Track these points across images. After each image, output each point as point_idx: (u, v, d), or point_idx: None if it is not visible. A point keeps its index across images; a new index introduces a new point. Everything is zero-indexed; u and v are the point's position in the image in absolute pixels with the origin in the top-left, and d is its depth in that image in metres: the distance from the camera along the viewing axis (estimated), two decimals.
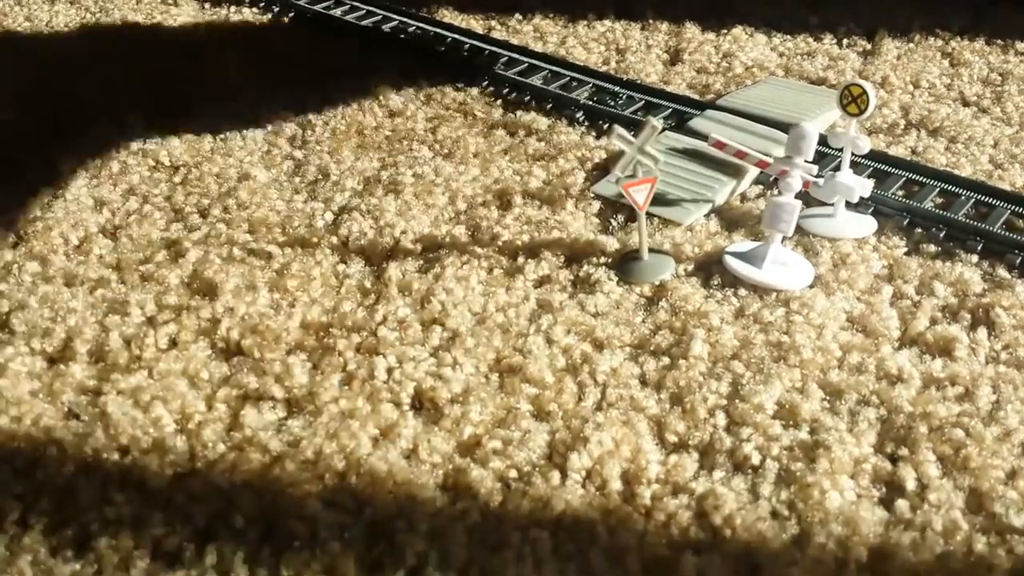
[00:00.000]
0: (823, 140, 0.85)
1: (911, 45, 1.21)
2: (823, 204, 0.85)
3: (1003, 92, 1.09)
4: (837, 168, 0.85)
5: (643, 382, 0.69)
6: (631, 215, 0.85)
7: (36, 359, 0.71)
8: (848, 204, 0.84)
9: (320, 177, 0.93)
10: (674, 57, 1.20)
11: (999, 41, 1.22)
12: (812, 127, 0.74)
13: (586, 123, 1.03)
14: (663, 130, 0.98)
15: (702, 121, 0.99)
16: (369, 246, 0.83)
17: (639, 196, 0.76)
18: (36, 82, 1.15)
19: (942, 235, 0.82)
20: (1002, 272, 0.78)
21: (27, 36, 1.31)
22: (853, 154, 0.82)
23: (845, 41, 1.22)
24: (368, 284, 0.79)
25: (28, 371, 0.69)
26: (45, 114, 1.07)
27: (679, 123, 1.00)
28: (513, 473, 0.61)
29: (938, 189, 0.88)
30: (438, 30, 1.24)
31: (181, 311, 0.75)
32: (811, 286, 0.77)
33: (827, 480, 0.60)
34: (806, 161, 0.75)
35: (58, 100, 1.10)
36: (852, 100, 0.79)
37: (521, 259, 0.81)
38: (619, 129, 0.74)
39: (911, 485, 0.60)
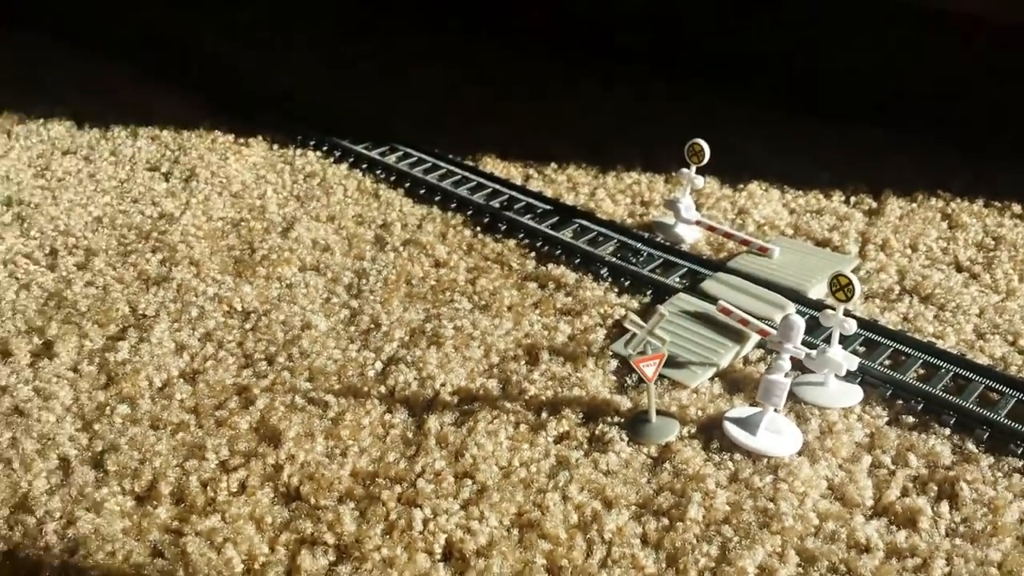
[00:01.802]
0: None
1: (914, 205, 1.32)
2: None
3: (995, 257, 1.19)
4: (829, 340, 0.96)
5: (644, 541, 0.79)
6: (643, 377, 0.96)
7: (127, 498, 0.83)
8: (838, 375, 0.94)
9: (372, 327, 1.06)
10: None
11: (996, 203, 1.32)
12: (800, 319, 0.86)
13: (609, 279, 1.15)
14: (679, 291, 1.10)
15: (712, 283, 1.11)
16: (412, 396, 0.95)
17: (648, 370, 0.87)
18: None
19: (920, 408, 0.92)
20: (970, 446, 0.88)
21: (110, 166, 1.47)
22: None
23: (853, 199, 1.34)
24: (410, 434, 0.91)
25: (120, 509, 0.82)
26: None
27: (693, 283, 1.12)
28: None
29: (921, 361, 0.98)
30: (481, 179, 1.38)
31: (250, 457, 0.87)
32: (799, 453, 0.88)
33: None
34: (795, 346, 0.87)
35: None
36: (840, 288, 0.90)
37: (544, 414, 0.93)
38: (631, 315, 0.86)
39: None
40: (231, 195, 1.36)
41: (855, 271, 1.15)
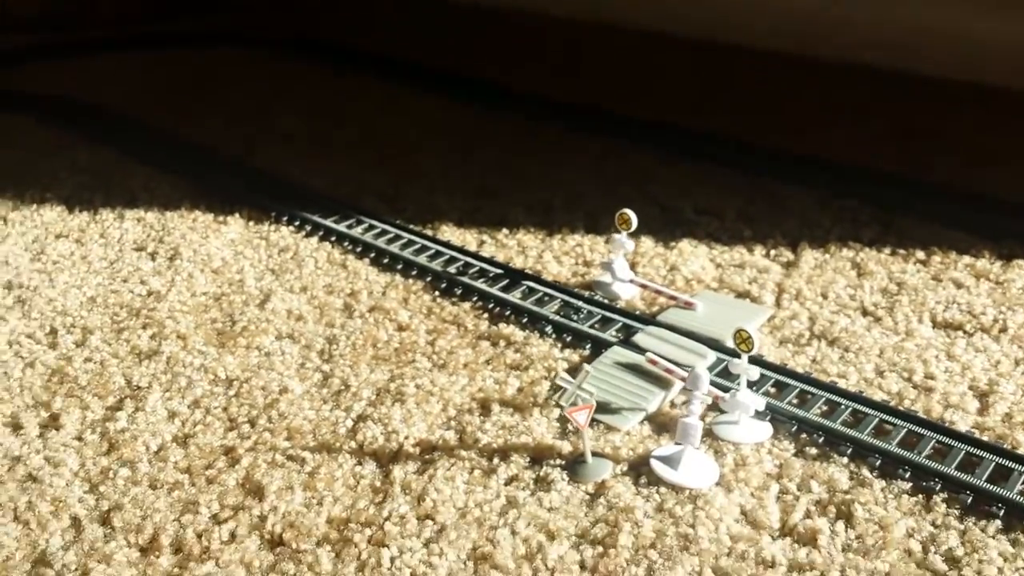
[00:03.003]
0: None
1: (827, 256, 1.47)
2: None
3: (896, 301, 1.34)
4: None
5: (582, 567, 0.92)
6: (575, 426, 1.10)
7: (132, 550, 0.95)
8: (748, 414, 1.08)
9: (342, 388, 1.19)
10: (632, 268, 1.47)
11: (901, 251, 1.48)
12: (703, 371, 1.00)
13: (553, 335, 1.29)
14: (613, 345, 1.24)
15: (643, 336, 1.25)
16: (379, 449, 1.08)
17: (580, 418, 1.01)
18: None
19: (821, 440, 1.06)
20: (865, 472, 1.02)
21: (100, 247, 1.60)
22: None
23: (772, 252, 1.49)
24: (378, 483, 1.03)
25: (127, 560, 0.94)
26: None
27: (626, 336, 1.26)
28: None
29: (824, 399, 1.12)
30: (439, 247, 1.52)
31: (238, 510, 0.99)
32: (716, 484, 1.01)
33: None
34: (703, 393, 1.01)
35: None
36: (743, 341, 1.04)
37: (496, 460, 1.06)
38: (562, 373, 1.00)
39: None
40: (212, 271, 1.50)
41: (770, 320, 1.30)
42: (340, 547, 0.95)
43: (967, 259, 1.45)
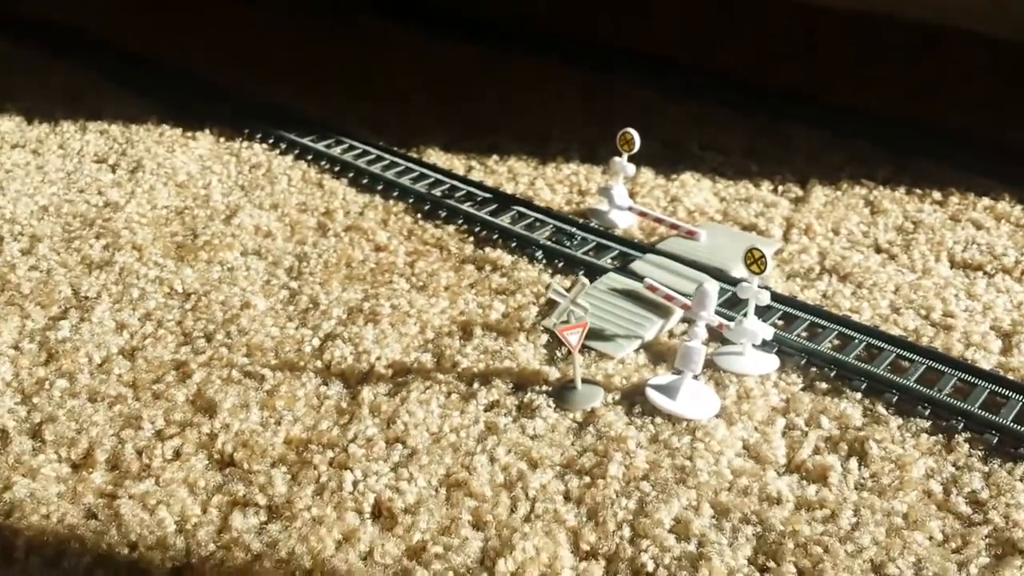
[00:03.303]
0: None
1: (838, 193, 1.37)
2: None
3: (913, 240, 1.25)
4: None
5: (566, 498, 0.83)
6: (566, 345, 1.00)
7: (63, 465, 0.85)
8: (755, 344, 0.98)
9: (311, 306, 1.09)
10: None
11: (917, 190, 1.39)
12: (712, 287, 0.90)
13: (544, 260, 1.19)
14: (610, 271, 1.14)
15: (641, 264, 1.15)
16: (348, 370, 0.98)
17: (572, 338, 0.91)
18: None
19: (833, 374, 0.97)
20: (880, 409, 0.93)
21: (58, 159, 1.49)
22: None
23: (780, 188, 1.39)
24: (344, 404, 0.93)
25: (56, 475, 0.84)
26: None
27: (623, 264, 1.16)
28: (450, 574, 0.75)
29: (836, 332, 1.03)
30: (424, 170, 1.41)
31: (185, 427, 0.89)
32: (717, 416, 0.92)
33: None
34: (709, 314, 0.91)
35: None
36: (755, 261, 0.94)
37: (476, 385, 0.96)
38: (555, 284, 0.90)
39: None
40: (176, 185, 1.39)
41: (778, 253, 1.20)
42: (297, 469, 0.85)
43: (986, 201, 1.35)
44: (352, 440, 0.88)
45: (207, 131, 1.56)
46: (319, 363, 0.99)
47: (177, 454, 0.86)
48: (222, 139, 1.54)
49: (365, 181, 1.39)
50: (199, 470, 0.85)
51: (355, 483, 0.83)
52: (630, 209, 1.28)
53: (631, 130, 1.22)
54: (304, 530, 0.78)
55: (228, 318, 1.06)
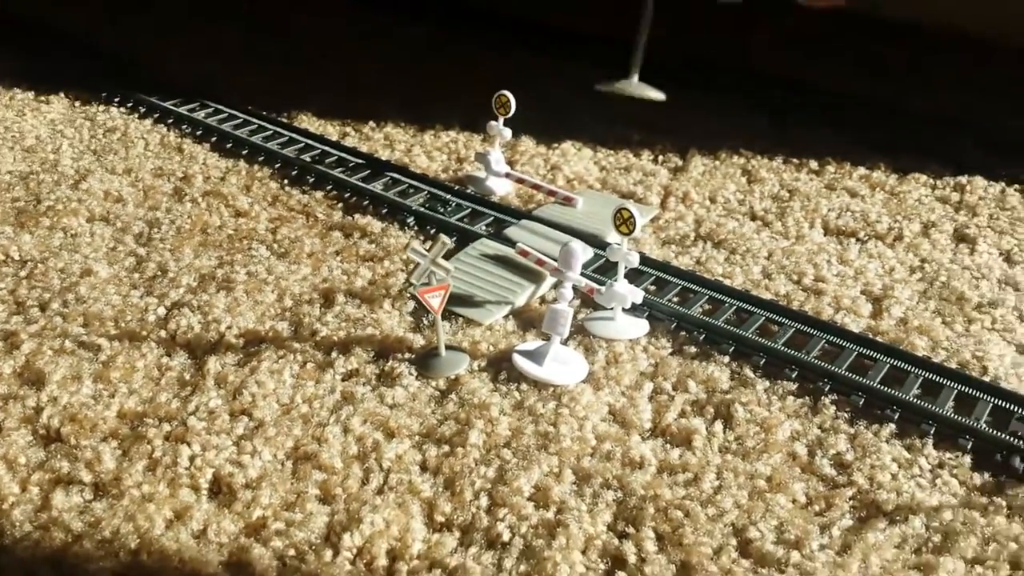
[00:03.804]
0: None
1: (716, 163, 1.37)
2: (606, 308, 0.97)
3: (787, 207, 1.24)
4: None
5: (423, 468, 0.78)
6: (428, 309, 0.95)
7: None
8: (625, 309, 0.96)
9: (159, 273, 1.01)
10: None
11: (795, 160, 1.39)
12: (579, 246, 0.86)
13: (416, 227, 1.14)
14: (482, 237, 1.10)
15: (516, 230, 1.11)
16: (194, 339, 0.91)
17: (434, 301, 0.87)
18: None
19: (702, 338, 0.95)
20: (748, 372, 0.91)
21: None
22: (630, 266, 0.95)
23: (660, 158, 1.38)
24: (187, 376, 0.87)
25: None
26: None
27: (498, 231, 1.12)
28: (291, 552, 0.70)
29: (707, 297, 1.01)
30: (293, 135, 1.34)
31: (9, 399, 0.81)
32: (584, 381, 0.89)
33: (560, 555, 0.70)
34: (576, 274, 0.88)
35: None
36: (623, 222, 0.91)
37: (334, 354, 0.91)
38: (415, 244, 0.85)
39: (632, 559, 0.70)
40: (23, 150, 1.28)
41: (654, 221, 1.18)
42: (129, 444, 0.78)
43: (862, 170, 1.36)
44: (192, 413, 0.81)
45: (62, 95, 1.46)
46: (163, 333, 0.92)
47: None
48: (78, 103, 1.44)
49: (229, 145, 1.32)
50: (20, 446, 0.77)
51: (192, 458, 0.77)
52: (507, 175, 1.24)
53: (506, 92, 1.18)
54: (131, 508, 0.71)
55: (66, 286, 0.98)
